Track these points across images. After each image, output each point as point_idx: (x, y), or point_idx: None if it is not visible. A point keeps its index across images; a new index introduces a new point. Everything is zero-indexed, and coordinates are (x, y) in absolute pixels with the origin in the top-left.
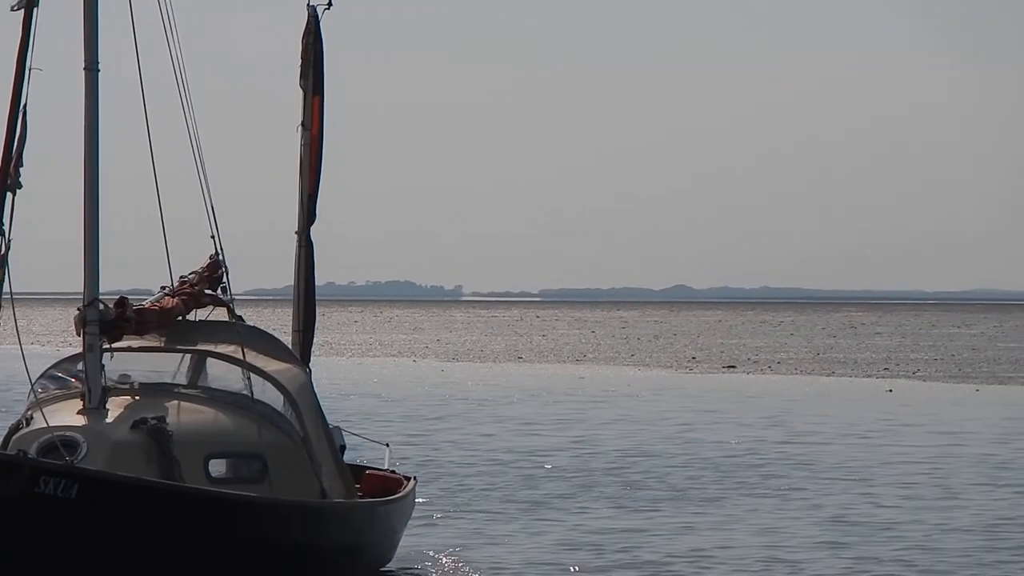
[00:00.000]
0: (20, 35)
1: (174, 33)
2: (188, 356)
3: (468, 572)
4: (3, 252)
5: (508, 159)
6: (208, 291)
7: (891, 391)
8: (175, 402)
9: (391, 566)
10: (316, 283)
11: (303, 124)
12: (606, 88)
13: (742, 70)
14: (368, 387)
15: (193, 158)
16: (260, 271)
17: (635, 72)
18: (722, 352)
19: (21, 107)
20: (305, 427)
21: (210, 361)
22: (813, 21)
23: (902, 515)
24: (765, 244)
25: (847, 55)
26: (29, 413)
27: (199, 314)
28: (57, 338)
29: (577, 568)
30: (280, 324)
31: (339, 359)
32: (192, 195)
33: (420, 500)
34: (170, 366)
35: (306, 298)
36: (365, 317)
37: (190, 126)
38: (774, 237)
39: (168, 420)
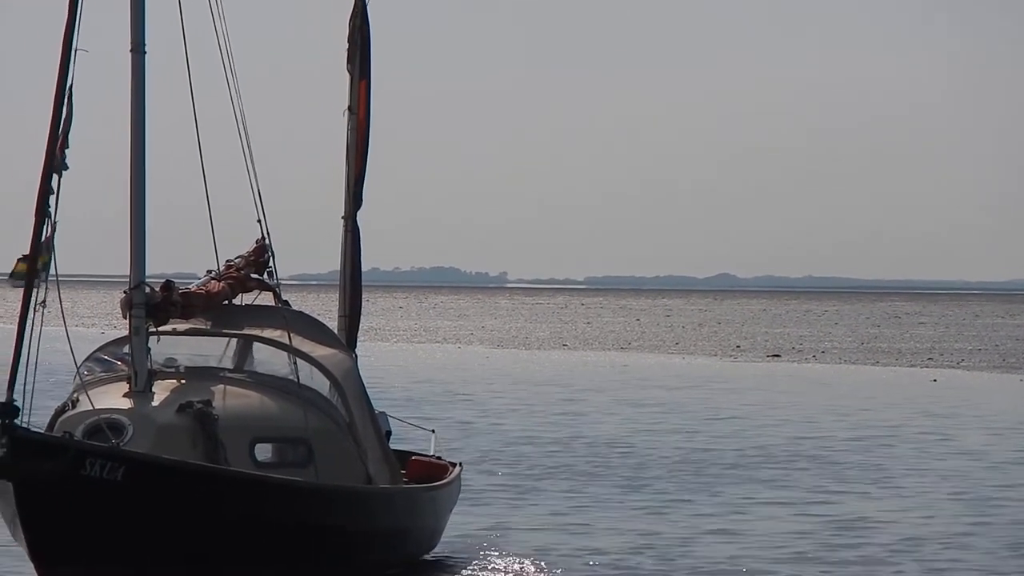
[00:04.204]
0: (66, 16)
1: (221, 16)
2: (234, 340)
3: (513, 558)
4: (50, 234)
5: (556, 146)
6: (254, 275)
7: (936, 381)
8: (221, 386)
9: (437, 552)
10: (362, 269)
11: (350, 108)
12: (649, 75)
13: (783, 55)
14: (413, 373)
15: (240, 142)
16: (306, 256)
17: (678, 57)
18: (766, 341)
19: (67, 89)
20: (351, 412)
21: (256, 346)
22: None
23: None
24: (809, 233)
25: (891, 37)
26: (75, 395)
27: (245, 298)
28: (102, 320)
29: (622, 558)
30: (326, 309)
31: (385, 345)
32: (239, 179)
33: (466, 486)
34: (216, 350)
35: (352, 283)
36: (410, 303)
37: (237, 109)
38: (818, 226)
39: (214, 404)
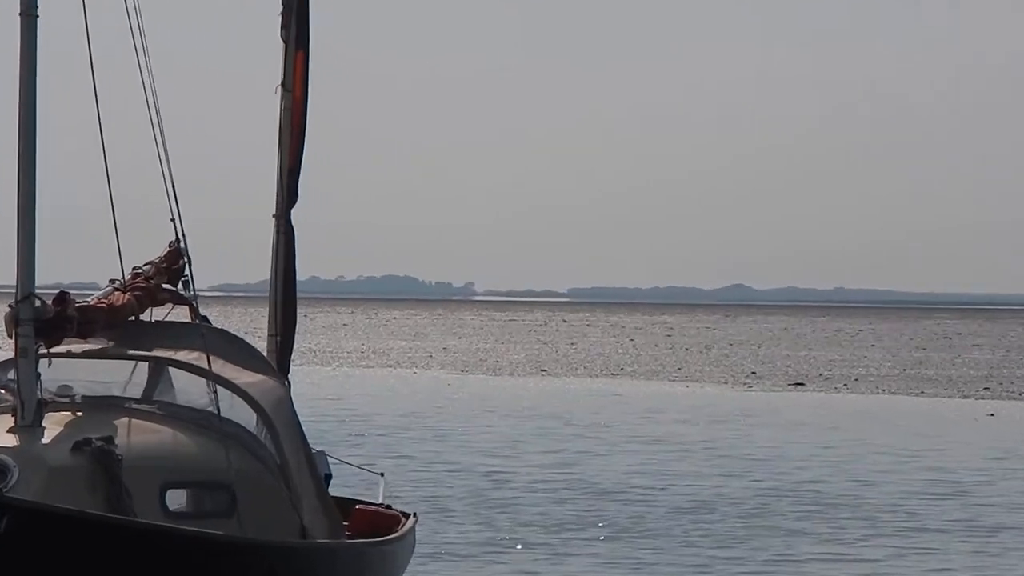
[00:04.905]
0: None
1: None
2: (142, 364)
3: None
4: None
5: (534, 135)
6: (167, 286)
7: (993, 415)
8: (125, 419)
9: None
10: (298, 277)
11: (283, 85)
12: (645, 54)
13: (805, 49)
14: (359, 404)
15: (151, 125)
16: (230, 262)
17: (684, 47)
18: (788, 367)
19: None
20: (282, 451)
21: (168, 371)
22: None
23: None
24: (839, 237)
25: (923, 31)
26: None
27: (156, 313)
28: None
29: None
30: (253, 327)
31: (325, 370)
32: (149, 170)
33: (421, 541)
34: (120, 376)
35: (285, 296)
36: (357, 319)
37: (147, 87)
38: (850, 229)
39: (117, 441)
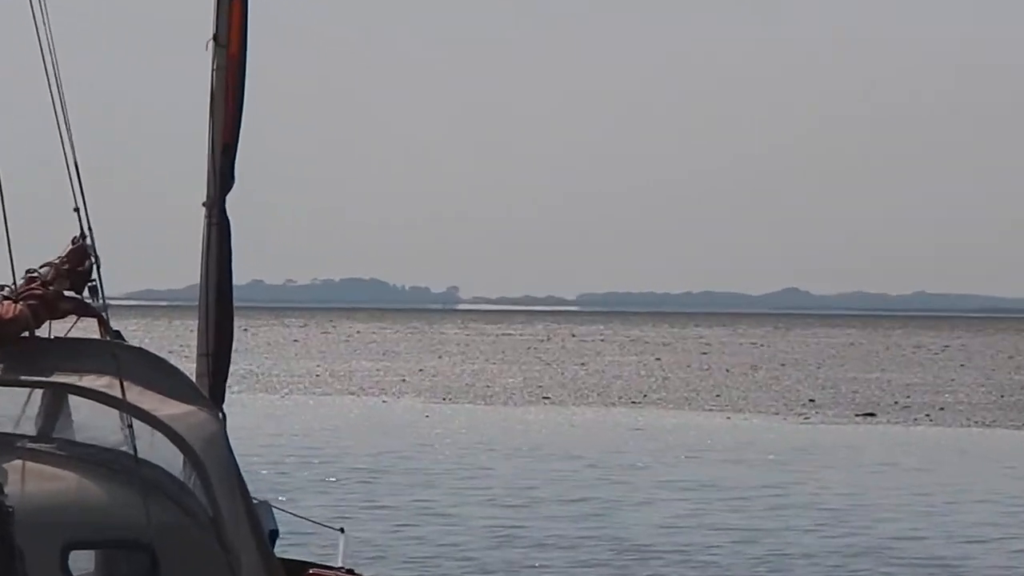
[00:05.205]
0: None
1: None
2: (37, 393)
3: None
4: None
5: (531, 105)
6: (69, 293)
7: None
8: (17, 463)
9: None
10: (236, 282)
11: (215, 39)
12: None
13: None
14: (313, 442)
15: (49, 93)
16: (150, 264)
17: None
18: (855, 392)
19: None
20: (216, 502)
21: (72, 400)
22: None
23: None
24: (921, 232)
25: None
26: None
27: (56, 328)
28: None
29: None
30: (180, 344)
31: (270, 398)
32: (48, 149)
33: None
34: (10, 408)
35: (220, 305)
36: (310, 334)
37: (45, 47)
38: (935, 223)
39: (7, 490)
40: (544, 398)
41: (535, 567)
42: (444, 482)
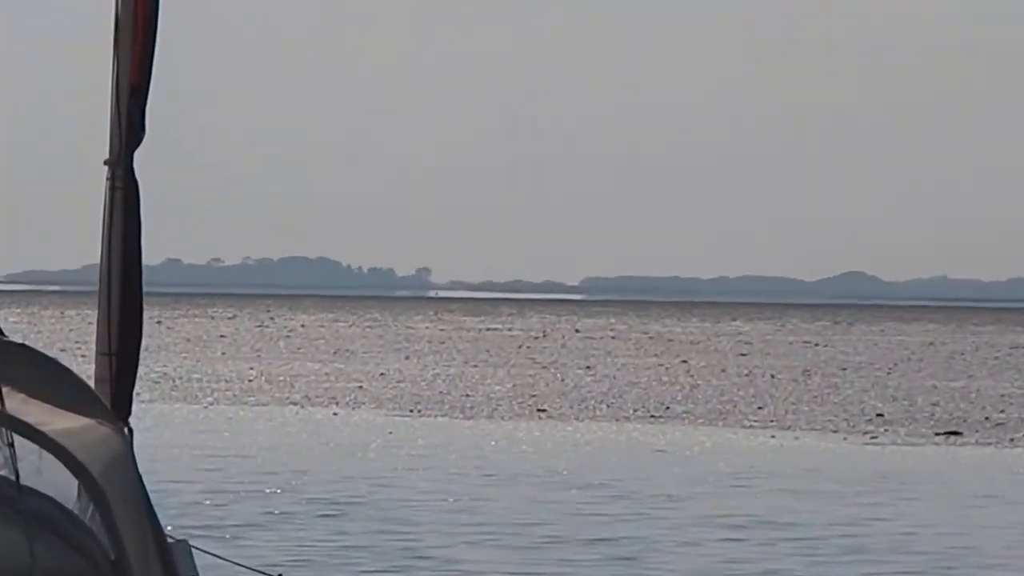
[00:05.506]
0: None
1: None
2: None
3: None
4: None
5: (523, 51)
6: None
7: None
8: None
9: None
10: (147, 261)
11: None
12: None
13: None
14: (244, 465)
15: None
16: (37, 238)
17: None
18: (934, 404)
19: None
20: (119, 539)
21: None
22: None
23: None
24: (1017, 207)
25: None
26: None
27: None
28: None
29: None
30: (75, 340)
31: (189, 409)
32: None
33: None
34: None
35: (125, 290)
36: (242, 327)
37: None
38: None
39: None
40: (539, 410)
41: None
42: (423, 517)
